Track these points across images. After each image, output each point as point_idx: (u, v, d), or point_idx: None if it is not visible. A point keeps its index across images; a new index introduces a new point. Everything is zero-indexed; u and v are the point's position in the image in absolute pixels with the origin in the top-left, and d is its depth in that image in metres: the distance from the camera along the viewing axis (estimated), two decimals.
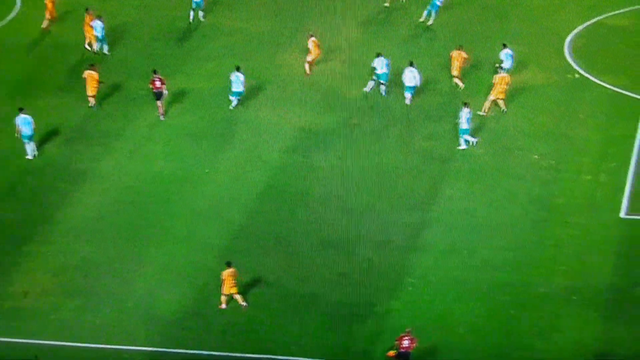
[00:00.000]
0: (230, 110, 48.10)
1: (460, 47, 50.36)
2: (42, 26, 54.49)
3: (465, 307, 37.18)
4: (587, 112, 48.29)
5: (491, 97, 47.85)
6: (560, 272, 38.76)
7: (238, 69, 48.08)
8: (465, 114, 45.38)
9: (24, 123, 44.48)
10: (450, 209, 42.05)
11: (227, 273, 37.06)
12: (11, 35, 55.01)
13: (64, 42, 53.90)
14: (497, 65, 50.09)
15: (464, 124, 45.51)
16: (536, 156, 45.08)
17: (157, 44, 53.84)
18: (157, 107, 47.90)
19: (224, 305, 37.05)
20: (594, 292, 37.80)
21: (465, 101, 46.18)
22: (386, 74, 48.88)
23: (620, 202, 42.19)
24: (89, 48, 52.77)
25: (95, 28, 52.21)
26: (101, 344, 35.55)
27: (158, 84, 47.55)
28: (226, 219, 41.50)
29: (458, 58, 49.89)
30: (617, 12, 56.41)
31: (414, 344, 34.12)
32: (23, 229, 40.92)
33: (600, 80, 50.46)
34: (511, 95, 48.83)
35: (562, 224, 41.19)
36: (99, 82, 48.35)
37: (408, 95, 48.38)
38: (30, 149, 44.91)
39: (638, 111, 47.98)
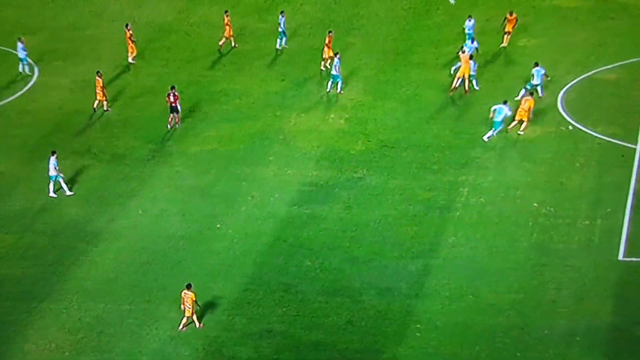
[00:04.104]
0: (241, 167, 46.86)
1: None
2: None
3: (471, 350, 35.36)
4: (581, 162, 46.84)
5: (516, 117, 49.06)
6: (562, 314, 37.04)
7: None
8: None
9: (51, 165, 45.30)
10: (453, 256, 40.31)
11: (183, 293, 36.57)
12: (30, 102, 53.70)
13: (80, 108, 52.56)
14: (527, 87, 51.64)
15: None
16: (535, 204, 43.50)
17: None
18: (172, 118, 50.08)
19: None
20: (595, 332, 36.07)
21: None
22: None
23: (617, 246, 40.59)
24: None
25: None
26: None
27: (172, 98, 49.78)
28: (237, 273, 39.69)
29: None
30: (606, 67, 55.21)
31: None
32: (38, 287, 39.14)
33: (593, 131, 49.10)
34: (510, 147, 48.01)
35: (561, 267, 39.52)
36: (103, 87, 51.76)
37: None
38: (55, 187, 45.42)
39: (630, 159, 46.57)
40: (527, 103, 48.95)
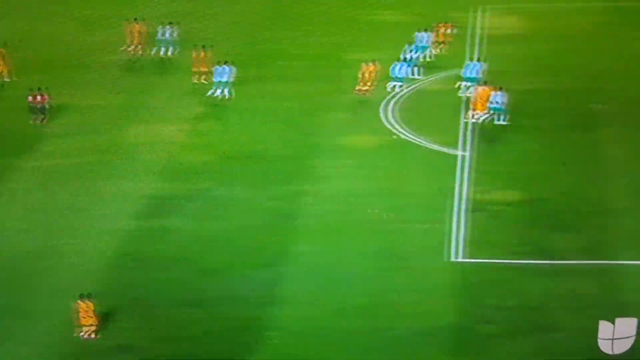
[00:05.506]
0: (83, 181, 46.40)
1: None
2: None
3: (329, 354, 36.10)
4: (410, 169, 48.40)
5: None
6: (406, 315, 38.12)
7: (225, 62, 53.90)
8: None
9: None
10: (301, 263, 41.07)
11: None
12: None
13: None
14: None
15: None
16: (374, 210, 44.80)
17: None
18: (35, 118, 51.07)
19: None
20: (440, 332, 37.21)
21: None
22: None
23: (449, 248, 42.00)
24: None
25: None
26: None
27: (39, 98, 51.29)
28: (85, 289, 38.60)
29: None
30: (430, 78, 57.21)
31: None
32: None
33: (422, 139, 50.78)
34: (348, 156, 49.32)
35: (402, 271, 40.67)
36: None
37: None
38: None
39: (453, 165, 48.46)
40: (477, 91, 52.25)
